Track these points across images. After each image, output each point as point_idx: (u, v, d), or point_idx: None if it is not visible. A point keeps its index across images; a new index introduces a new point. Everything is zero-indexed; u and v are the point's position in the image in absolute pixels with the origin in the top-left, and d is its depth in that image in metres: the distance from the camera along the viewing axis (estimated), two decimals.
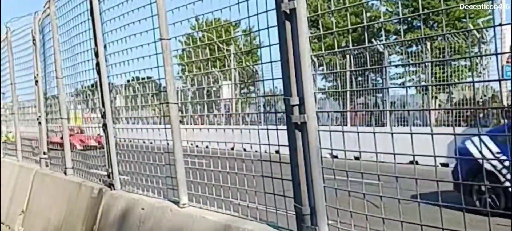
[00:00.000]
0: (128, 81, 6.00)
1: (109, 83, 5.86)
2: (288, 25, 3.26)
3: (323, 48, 3.62)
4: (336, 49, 3.53)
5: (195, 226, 4.16)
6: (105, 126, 5.92)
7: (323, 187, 3.21)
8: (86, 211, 6.22)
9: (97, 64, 5.89)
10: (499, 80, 7.80)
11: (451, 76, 18.51)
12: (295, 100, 3.27)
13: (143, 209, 4.94)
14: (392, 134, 2.91)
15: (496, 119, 16.46)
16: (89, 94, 7.05)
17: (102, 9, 5.71)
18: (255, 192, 3.89)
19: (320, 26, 3.51)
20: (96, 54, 5.86)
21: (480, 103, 15.66)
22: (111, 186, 5.91)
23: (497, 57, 3.03)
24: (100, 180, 6.35)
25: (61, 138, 7.99)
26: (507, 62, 17.58)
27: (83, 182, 6.77)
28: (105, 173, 6.07)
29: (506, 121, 16.62)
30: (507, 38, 16.64)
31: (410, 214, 2.87)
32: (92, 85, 6.55)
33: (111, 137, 5.88)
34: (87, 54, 6.30)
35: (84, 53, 6.43)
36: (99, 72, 5.88)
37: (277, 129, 3.63)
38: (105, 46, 5.76)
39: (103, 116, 5.92)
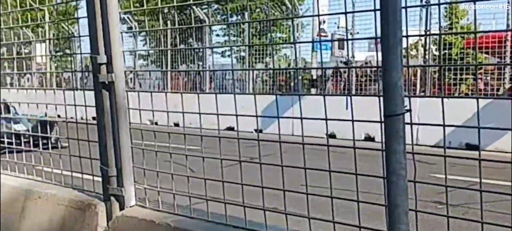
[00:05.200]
0: None
1: None
2: None
3: (131, 6, 3.52)
4: (145, 7, 3.47)
5: None
6: None
7: (130, 148, 3.18)
8: None
9: None
10: None
11: (267, 46, 19.46)
12: (102, 58, 3.17)
13: None
14: (181, 94, 2.97)
15: (307, 88, 17.78)
16: None
17: None
18: (60, 157, 3.70)
19: None
20: None
21: (292, 73, 16.74)
22: None
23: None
24: None
25: None
26: (318, 35, 18.93)
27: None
28: None
29: (315, 90, 18.03)
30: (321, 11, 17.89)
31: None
32: None
33: None
34: None
35: None
36: None
37: (84, 89, 3.48)
38: None
39: None
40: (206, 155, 3.13)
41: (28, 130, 8.77)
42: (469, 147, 11.37)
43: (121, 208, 3.24)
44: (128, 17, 19.34)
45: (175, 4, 3.40)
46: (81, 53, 3.91)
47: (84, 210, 3.34)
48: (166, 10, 17.28)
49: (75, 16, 3.76)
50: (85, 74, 12.15)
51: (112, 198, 3.25)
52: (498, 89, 12.33)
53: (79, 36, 3.64)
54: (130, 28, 19.61)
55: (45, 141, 4.35)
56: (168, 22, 16.77)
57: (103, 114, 3.22)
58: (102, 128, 3.23)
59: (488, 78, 13.17)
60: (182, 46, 20.56)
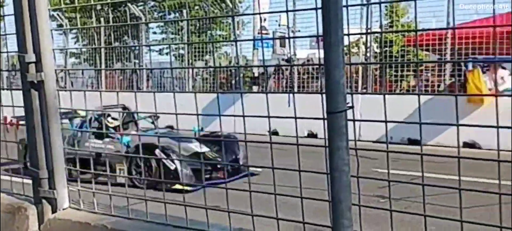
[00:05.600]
0: None
1: None
2: None
3: (61, 2, 3.35)
4: (76, 4, 3.31)
5: None
6: None
7: (62, 149, 3.04)
8: None
9: None
10: None
11: (206, 44, 19.32)
12: (31, 57, 3.02)
13: None
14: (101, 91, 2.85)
15: (249, 86, 17.79)
16: None
17: None
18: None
19: None
20: None
21: (233, 71, 16.71)
22: None
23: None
24: None
25: None
26: (259, 33, 18.92)
27: None
28: None
29: (257, 88, 18.07)
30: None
31: None
32: None
33: None
34: None
35: None
36: None
37: (10, 89, 3.30)
38: None
39: None
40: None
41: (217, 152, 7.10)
42: (411, 141, 11.66)
43: (54, 211, 3.10)
44: (58, 14, 18.67)
45: (108, 1, 3.26)
46: (8, 52, 3.70)
47: (13, 214, 3.18)
48: (99, 7, 16.82)
49: (0, 13, 3.56)
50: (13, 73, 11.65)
51: (44, 201, 3.11)
52: (439, 86, 12.76)
53: (6, 34, 3.47)
54: (61, 25, 18.95)
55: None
56: (102, 19, 16.34)
57: (32, 114, 3.07)
58: (31, 129, 3.08)
59: (429, 75, 13.58)
60: (117, 44, 20.07)
